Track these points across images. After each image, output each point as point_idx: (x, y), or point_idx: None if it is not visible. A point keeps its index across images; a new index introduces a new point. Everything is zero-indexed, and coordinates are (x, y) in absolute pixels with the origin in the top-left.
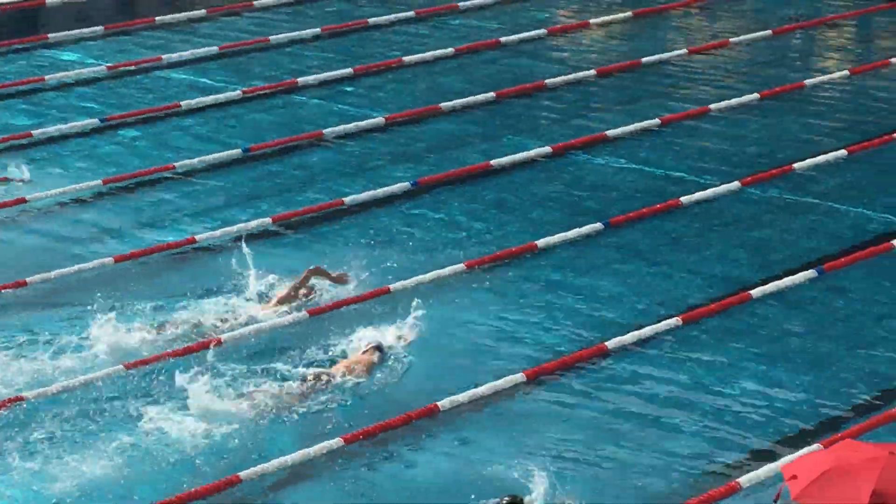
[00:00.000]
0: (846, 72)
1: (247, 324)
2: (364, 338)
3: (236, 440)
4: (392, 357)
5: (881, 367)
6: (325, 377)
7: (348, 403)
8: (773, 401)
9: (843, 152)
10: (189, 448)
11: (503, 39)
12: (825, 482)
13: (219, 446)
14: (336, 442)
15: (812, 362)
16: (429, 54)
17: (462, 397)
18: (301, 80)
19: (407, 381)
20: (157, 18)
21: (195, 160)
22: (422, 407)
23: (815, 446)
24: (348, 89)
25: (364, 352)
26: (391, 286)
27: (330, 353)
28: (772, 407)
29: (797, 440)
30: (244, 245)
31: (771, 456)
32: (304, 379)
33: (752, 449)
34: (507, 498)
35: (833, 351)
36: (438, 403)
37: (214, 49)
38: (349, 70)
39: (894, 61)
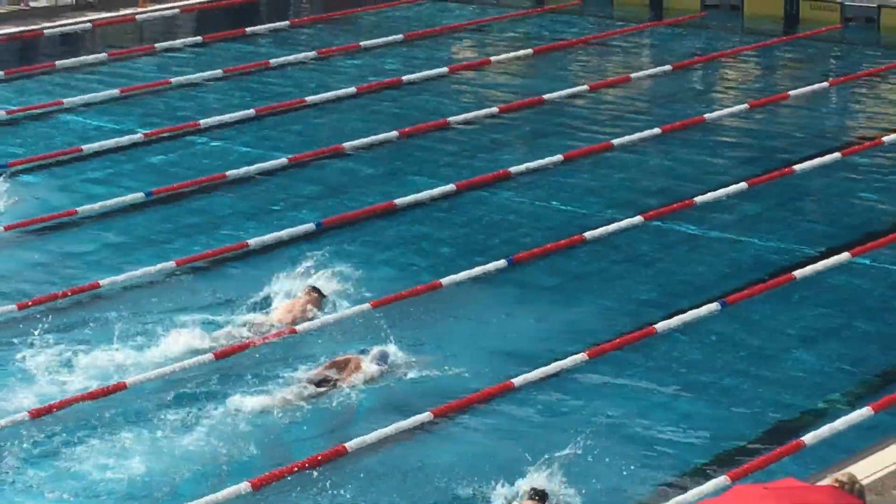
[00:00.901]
0: (745, 105)
1: None
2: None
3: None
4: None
5: (785, 398)
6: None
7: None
8: (680, 433)
9: (743, 185)
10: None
11: (405, 78)
12: None
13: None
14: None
15: (717, 394)
16: (331, 94)
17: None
18: (203, 121)
19: None
20: (57, 62)
21: (97, 205)
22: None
23: (721, 478)
24: (250, 130)
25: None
26: (297, 328)
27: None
28: (678, 439)
29: (704, 472)
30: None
31: (679, 488)
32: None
33: (659, 482)
34: (532, 491)
35: (738, 383)
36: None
37: (115, 92)
38: (251, 111)
39: (792, 94)
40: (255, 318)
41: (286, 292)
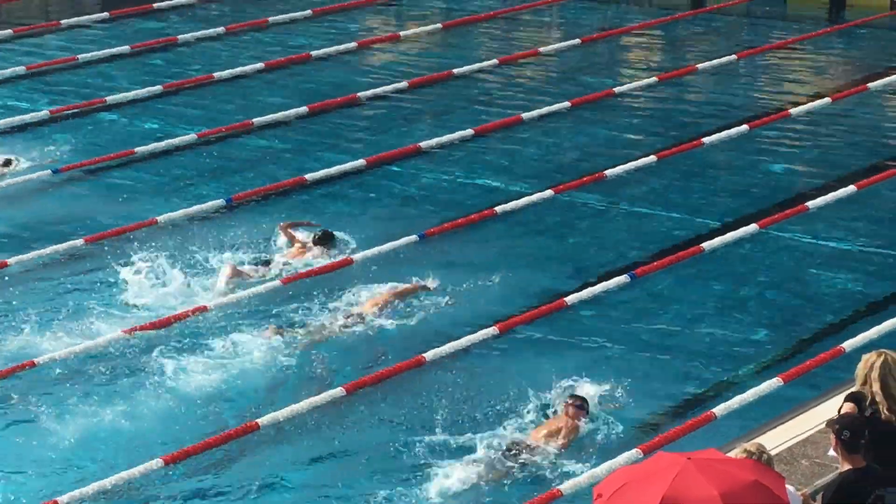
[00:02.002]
0: (654, 79)
1: None
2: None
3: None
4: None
5: (694, 370)
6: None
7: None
8: (590, 406)
9: (652, 158)
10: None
11: (314, 53)
12: (623, 493)
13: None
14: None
15: (626, 367)
16: (238, 70)
17: None
18: (110, 98)
19: None
20: None
21: (3, 183)
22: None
23: (633, 451)
24: (159, 107)
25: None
26: (208, 304)
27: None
28: (610, 407)
29: (615, 447)
30: None
31: (590, 461)
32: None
33: (569, 457)
34: (572, 398)
35: (647, 355)
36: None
37: (21, 69)
38: (158, 88)
39: (700, 67)
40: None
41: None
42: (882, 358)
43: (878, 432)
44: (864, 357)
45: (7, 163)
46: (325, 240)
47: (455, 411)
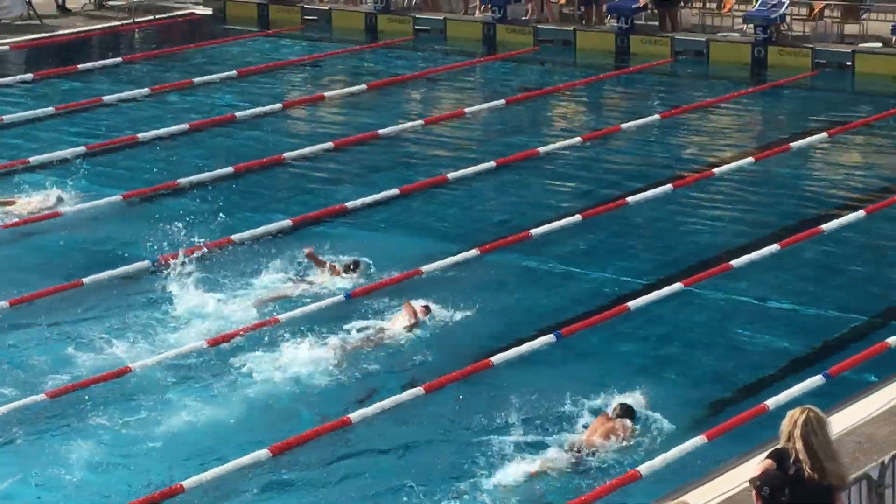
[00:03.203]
0: (578, 139)
1: None
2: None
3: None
4: None
5: None
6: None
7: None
8: (515, 464)
9: (577, 217)
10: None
11: (238, 114)
12: None
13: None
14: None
15: (553, 425)
16: (163, 130)
17: None
18: (33, 159)
19: None
20: None
21: None
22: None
23: None
24: (83, 168)
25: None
26: (132, 365)
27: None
28: (510, 469)
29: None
30: None
31: None
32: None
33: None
34: (619, 406)
35: (574, 412)
36: None
37: None
38: (82, 148)
39: (624, 127)
40: None
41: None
42: (805, 415)
43: (802, 490)
44: (789, 413)
45: None
46: (356, 267)
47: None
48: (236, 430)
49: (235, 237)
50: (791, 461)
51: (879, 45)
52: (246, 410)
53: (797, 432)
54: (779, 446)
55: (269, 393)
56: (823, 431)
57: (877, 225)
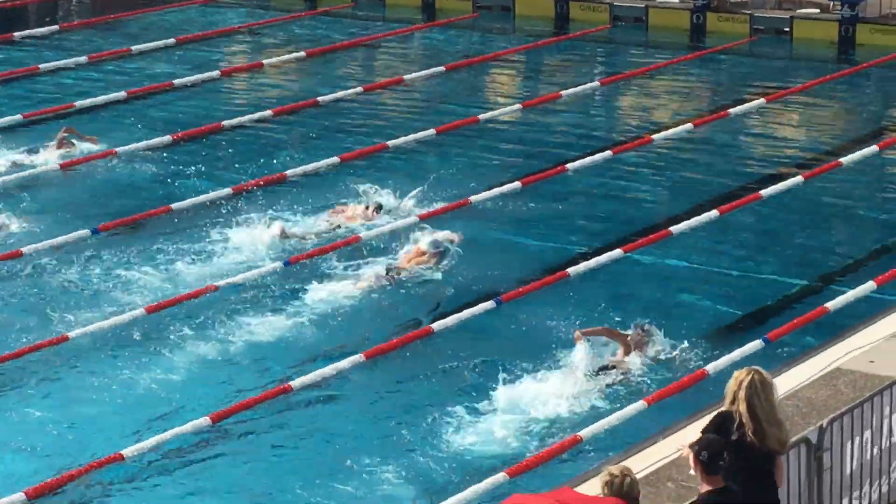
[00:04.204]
0: (518, 106)
1: None
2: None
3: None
4: None
5: (560, 393)
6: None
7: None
8: (460, 434)
9: (517, 184)
10: None
11: (176, 82)
12: None
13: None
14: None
15: (492, 393)
16: (101, 98)
17: None
18: None
19: None
20: None
21: None
22: None
23: (500, 475)
24: (21, 136)
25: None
26: (70, 332)
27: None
28: (455, 440)
29: (479, 471)
30: None
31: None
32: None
33: (441, 483)
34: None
35: (514, 378)
36: None
37: None
38: (18, 116)
39: (564, 94)
40: None
41: None
42: (750, 377)
43: (742, 455)
44: (735, 374)
45: None
46: (379, 209)
47: None
48: (177, 399)
49: (175, 206)
50: (735, 426)
51: (817, 10)
52: (182, 383)
53: (741, 394)
54: (723, 409)
55: (207, 364)
56: (767, 395)
57: (814, 190)
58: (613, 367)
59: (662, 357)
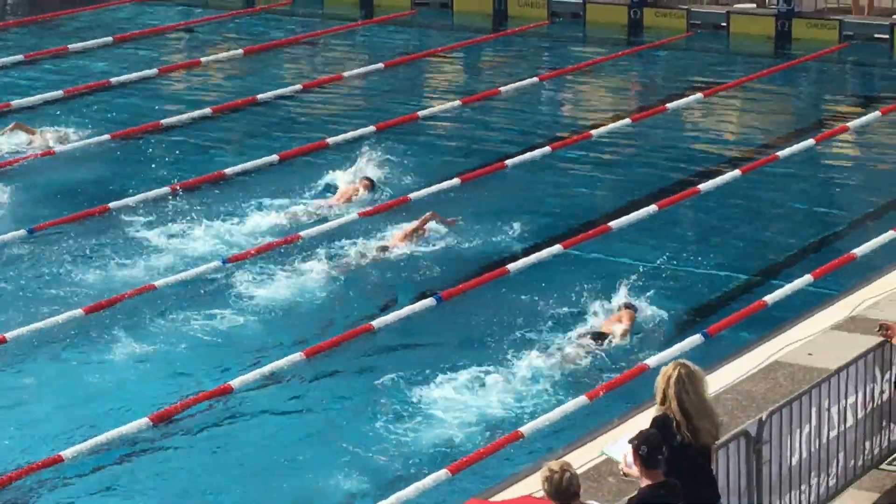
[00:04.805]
0: (457, 102)
1: None
2: None
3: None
4: None
5: (502, 387)
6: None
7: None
8: (401, 434)
9: (456, 181)
10: None
11: (113, 80)
12: None
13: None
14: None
15: (438, 387)
16: (38, 97)
17: None
18: None
19: None
20: None
21: None
22: None
23: (442, 471)
24: None
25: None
26: (7, 334)
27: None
28: (402, 437)
29: (427, 467)
30: None
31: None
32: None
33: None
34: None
35: (456, 375)
36: None
37: None
38: None
39: (503, 90)
40: None
41: None
42: (676, 371)
43: (681, 455)
44: (662, 370)
45: None
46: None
47: None
48: (117, 401)
49: (112, 205)
50: (674, 427)
51: (753, 5)
52: (122, 383)
53: (671, 392)
54: (658, 414)
55: (147, 365)
56: (696, 387)
57: (752, 184)
58: (555, 362)
59: (604, 351)
